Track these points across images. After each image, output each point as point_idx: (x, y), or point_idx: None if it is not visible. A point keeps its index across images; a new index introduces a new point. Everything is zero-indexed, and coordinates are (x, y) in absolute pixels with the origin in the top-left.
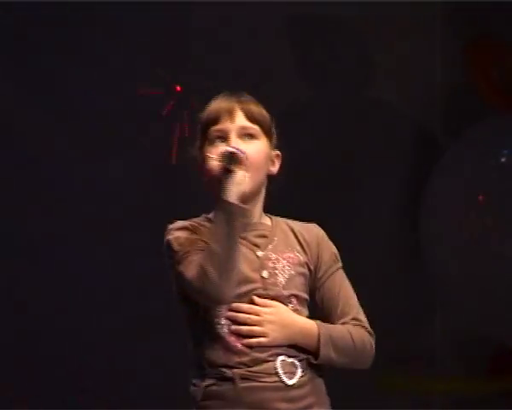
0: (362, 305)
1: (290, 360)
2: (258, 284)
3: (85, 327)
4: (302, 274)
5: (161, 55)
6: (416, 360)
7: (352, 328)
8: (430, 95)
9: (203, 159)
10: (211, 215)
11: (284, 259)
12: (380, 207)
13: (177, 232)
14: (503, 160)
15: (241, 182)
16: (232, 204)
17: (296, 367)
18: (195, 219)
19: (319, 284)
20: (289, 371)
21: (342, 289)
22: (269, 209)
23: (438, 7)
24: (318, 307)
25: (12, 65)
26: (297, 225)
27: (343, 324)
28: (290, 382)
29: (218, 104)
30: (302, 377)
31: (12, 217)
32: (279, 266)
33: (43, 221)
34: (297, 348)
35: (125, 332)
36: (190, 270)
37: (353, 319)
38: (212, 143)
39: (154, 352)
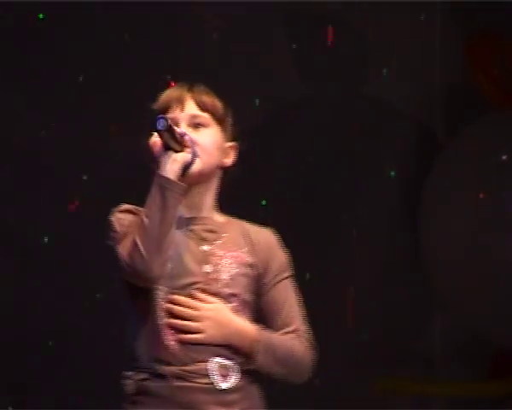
0: (361, 306)
1: (226, 362)
2: (200, 279)
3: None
4: (247, 275)
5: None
6: (415, 362)
7: (294, 339)
8: (430, 92)
9: (150, 145)
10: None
11: (231, 257)
12: (379, 206)
13: (119, 214)
14: (503, 157)
15: (179, 161)
16: (167, 178)
17: (231, 371)
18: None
19: (265, 290)
20: (224, 375)
21: (288, 298)
22: (268, 208)
23: (438, 4)
24: (262, 314)
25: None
26: (251, 228)
27: (285, 333)
28: (223, 385)
29: (168, 94)
30: (237, 381)
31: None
32: (224, 262)
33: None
34: (234, 350)
35: None
36: (125, 249)
37: (295, 330)
38: None
39: None
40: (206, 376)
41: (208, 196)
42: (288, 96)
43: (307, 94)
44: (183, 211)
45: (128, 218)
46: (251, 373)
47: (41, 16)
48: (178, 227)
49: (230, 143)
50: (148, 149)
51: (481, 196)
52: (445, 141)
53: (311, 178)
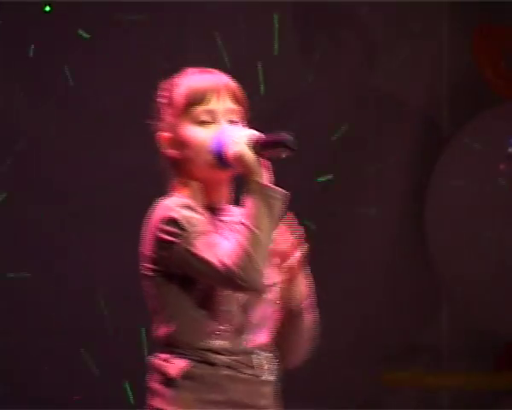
0: (367, 300)
1: (270, 355)
2: None
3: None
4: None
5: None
6: (421, 355)
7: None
8: (437, 83)
9: (185, 138)
10: (183, 194)
11: None
12: (384, 198)
13: (183, 210)
14: (510, 150)
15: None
16: (272, 188)
17: (274, 364)
18: (178, 199)
19: None
20: (269, 368)
21: None
22: None
23: None
24: None
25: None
26: None
27: None
28: (269, 377)
29: (202, 83)
30: (275, 374)
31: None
32: None
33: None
34: (274, 344)
35: None
36: (216, 254)
37: None
38: (198, 123)
39: None
40: (254, 367)
41: (228, 188)
42: (292, 87)
43: (311, 83)
44: (208, 202)
45: (190, 215)
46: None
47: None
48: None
49: None
50: (171, 145)
51: (488, 188)
52: (451, 131)
53: (315, 167)
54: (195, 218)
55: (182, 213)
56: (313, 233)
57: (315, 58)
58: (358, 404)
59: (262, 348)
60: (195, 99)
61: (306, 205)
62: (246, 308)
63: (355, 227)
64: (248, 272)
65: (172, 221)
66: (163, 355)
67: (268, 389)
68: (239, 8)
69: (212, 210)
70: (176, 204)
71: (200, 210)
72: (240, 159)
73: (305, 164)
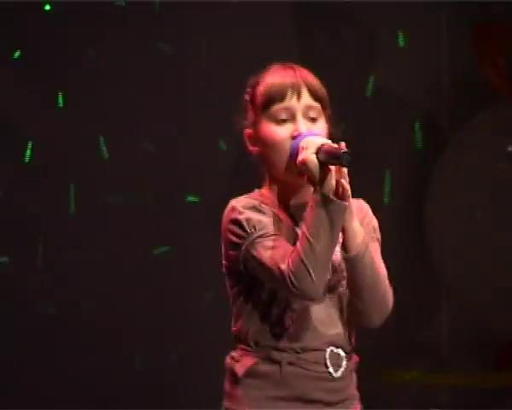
0: None
1: (337, 350)
2: None
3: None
4: None
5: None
6: (421, 354)
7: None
8: (437, 83)
9: (263, 135)
10: (264, 190)
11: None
12: (384, 198)
13: (247, 212)
14: (510, 148)
15: (335, 177)
16: (332, 199)
17: (342, 359)
18: (253, 196)
19: None
20: (336, 363)
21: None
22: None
23: None
24: None
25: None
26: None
27: None
28: (336, 374)
29: (280, 79)
30: (346, 369)
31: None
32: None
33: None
34: (344, 339)
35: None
36: (274, 258)
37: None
38: (275, 122)
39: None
40: (320, 364)
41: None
42: None
43: None
44: (288, 201)
45: (256, 217)
46: (353, 362)
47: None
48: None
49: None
50: (254, 142)
51: (488, 187)
52: (451, 129)
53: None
54: (260, 219)
55: (246, 215)
56: None
57: (315, 58)
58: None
59: (332, 344)
60: (273, 97)
61: None
62: (313, 307)
63: None
64: (301, 280)
65: (237, 222)
66: (234, 353)
67: (338, 385)
68: (239, 8)
69: (294, 209)
70: (242, 205)
71: (271, 211)
72: (304, 165)
73: None
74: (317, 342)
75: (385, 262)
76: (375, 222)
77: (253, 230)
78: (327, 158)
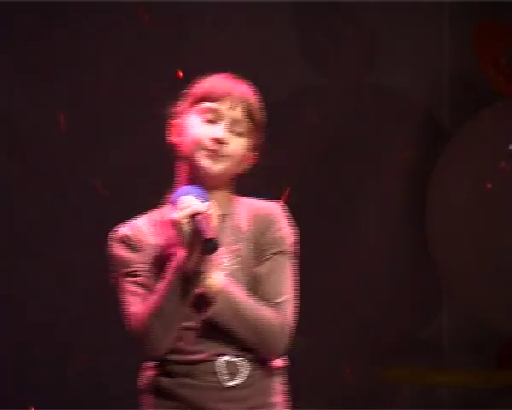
0: (368, 298)
1: (234, 359)
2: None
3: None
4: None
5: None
6: (422, 352)
7: (269, 309)
8: (437, 82)
9: (187, 125)
10: (151, 217)
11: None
12: (384, 198)
13: (116, 247)
14: (511, 147)
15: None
16: (194, 271)
17: (240, 368)
18: (139, 222)
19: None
20: (232, 372)
21: (274, 272)
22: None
23: None
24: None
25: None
26: (258, 203)
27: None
28: (231, 383)
29: (224, 84)
30: (248, 377)
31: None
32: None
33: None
34: (243, 347)
35: None
36: (131, 307)
37: (276, 303)
38: (202, 119)
39: None
40: (213, 374)
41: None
42: (293, 85)
43: (311, 81)
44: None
45: (123, 254)
46: (267, 367)
47: None
48: None
49: (252, 154)
50: (175, 131)
51: (489, 185)
52: (452, 129)
53: (320, 167)
54: (123, 257)
55: (114, 251)
56: (313, 233)
57: (315, 58)
58: (359, 402)
59: (226, 354)
60: (209, 95)
61: (306, 204)
62: (202, 321)
63: (355, 227)
64: (149, 340)
65: (109, 256)
66: (147, 364)
67: (237, 394)
68: (239, 8)
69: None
70: (115, 237)
71: (147, 244)
72: (174, 226)
73: (305, 163)
74: (208, 353)
75: (385, 262)
76: (285, 232)
77: (118, 268)
78: (195, 230)
